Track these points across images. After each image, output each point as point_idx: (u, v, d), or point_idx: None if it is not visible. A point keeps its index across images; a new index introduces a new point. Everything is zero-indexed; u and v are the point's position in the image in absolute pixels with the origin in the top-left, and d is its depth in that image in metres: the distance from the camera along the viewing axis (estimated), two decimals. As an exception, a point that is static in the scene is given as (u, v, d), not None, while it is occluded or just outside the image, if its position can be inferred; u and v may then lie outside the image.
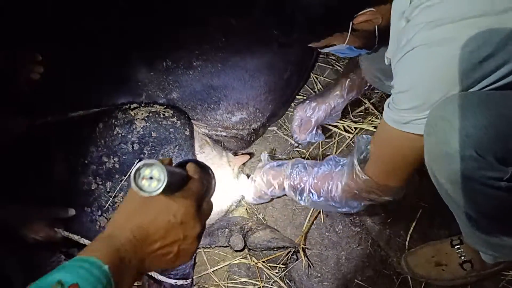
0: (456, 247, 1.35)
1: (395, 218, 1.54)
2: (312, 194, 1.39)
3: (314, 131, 1.64)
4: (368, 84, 1.61)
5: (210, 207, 0.75)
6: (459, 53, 0.93)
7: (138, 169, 0.61)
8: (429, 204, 1.54)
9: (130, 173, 0.63)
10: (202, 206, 0.72)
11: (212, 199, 1.49)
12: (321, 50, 1.28)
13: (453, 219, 1.42)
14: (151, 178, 0.61)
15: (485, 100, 0.91)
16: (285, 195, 1.53)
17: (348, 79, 1.59)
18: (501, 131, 0.89)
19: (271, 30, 1.18)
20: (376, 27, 1.13)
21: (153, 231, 0.65)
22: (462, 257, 1.33)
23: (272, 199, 1.64)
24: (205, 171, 0.79)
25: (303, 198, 1.42)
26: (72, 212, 1.38)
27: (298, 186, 1.42)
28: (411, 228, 1.50)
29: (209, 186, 0.79)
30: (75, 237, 1.39)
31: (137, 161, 0.58)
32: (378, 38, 1.17)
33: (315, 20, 1.10)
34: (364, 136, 1.31)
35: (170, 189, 0.65)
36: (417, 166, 1.17)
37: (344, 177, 1.29)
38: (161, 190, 0.61)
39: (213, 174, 0.82)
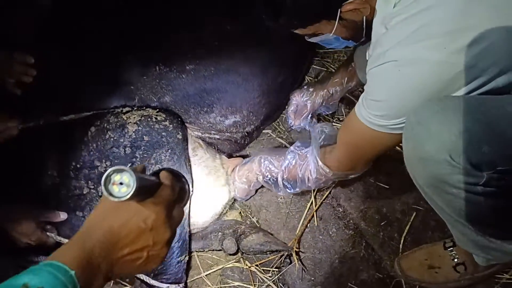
0: (449, 249, 1.34)
1: (389, 221, 1.53)
2: (287, 187, 1.46)
3: (309, 117, 1.66)
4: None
5: (181, 214, 0.76)
6: (427, 73, 0.96)
7: (109, 175, 0.63)
8: (423, 207, 1.53)
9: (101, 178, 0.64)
10: (173, 213, 0.73)
11: (204, 201, 1.50)
12: (308, 39, 1.28)
13: (447, 222, 1.43)
14: (121, 183, 0.62)
15: (461, 105, 0.92)
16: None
17: (350, 68, 1.59)
18: (475, 137, 0.89)
19: (259, 13, 1.18)
20: (364, 18, 1.13)
21: (124, 236, 0.66)
22: (455, 260, 1.33)
23: (259, 188, 1.65)
24: (178, 179, 0.80)
25: (280, 190, 1.48)
26: (64, 216, 1.37)
27: (271, 180, 1.48)
28: (405, 231, 1.50)
29: (183, 194, 0.81)
30: (65, 240, 1.38)
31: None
32: (366, 31, 1.17)
33: (303, 5, 1.10)
34: (317, 126, 1.41)
35: (141, 195, 0.67)
36: (385, 152, 1.23)
37: (312, 171, 1.35)
38: (130, 195, 0.62)
39: (187, 182, 0.84)
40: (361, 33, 1.19)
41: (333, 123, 1.77)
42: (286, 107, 1.71)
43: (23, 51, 1.50)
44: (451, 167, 0.90)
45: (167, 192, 0.72)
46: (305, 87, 1.65)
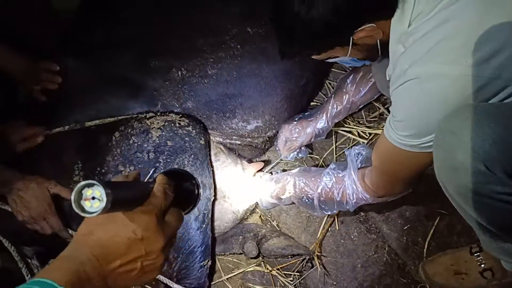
0: (475, 254, 1.33)
1: (412, 225, 1.52)
2: (324, 209, 1.44)
3: (298, 150, 1.67)
4: (359, 106, 1.64)
5: (177, 218, 0.73)
6: (448, 88, 0.94)
7: (79, 190, 0.60)
8: (448, 211, 1.51)
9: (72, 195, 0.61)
10: (167, 218, 0.71)
11: (227, 206, 1.51)
12: (326, 60, 1.28)
13: (472, 226, 1.41)
14: (93, 198, 0.60)
15: (493, 113, 0.90)
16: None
17: (333, 106, 1.60)
18: (510, 145, 0.87)
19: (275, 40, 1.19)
20: (378, 40, 1.13)
21: (113, 248, 0.64)
22: (482, 265, 1.31)
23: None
24: (185, 180, 0.79)
25: (316, 211, 1.46)
26: None
27: (306, 200, 1.46)
28: (429, 236, 1.48)
29: (187, 196, 0.78)
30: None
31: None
32: (381, 50, 1.17)
33: (314, 35, 1.10)
34: (353, 149, 1.38)
35: (125, 206, 0.65)
36: (424, 171, 1.20)
37: (351, 195, 1.34)
38: (101, 210, 0.59)
39: (197, 183, 0.80)
40: (376, 53, 1.18)
41: (352, 127, 1.76)
42: (276, 139, 1.71)
43: (48, 59, 1.53)
44: (485, 177, 0.88)
45: (157, 199, 0.70)
46: (294, 123, 1.63)
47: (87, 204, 0.60)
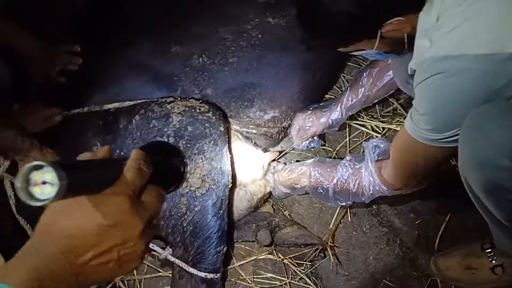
0: (487, 251, 1.34)
1: (424, 219, 1.54)
2: (339, 200, 1.45)
3: (310, 139, 1.68)
4: (374, 100, 1.64)
5: (156, 197, 0.62)
6: (475, 83, 0.95)
7: (26, 175, 0.51)
8: (459, 207, 1.53)
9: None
10: (144, 198, 0.61)
11: (241, 194, 1.52)
12: (351, 53, 1.29)
13: (485, 222, 1.44)
14: (44, 182, 0.51)
15: None
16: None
17: (349, 99, 1.61)
18: None
19: (300, 32, 1.19)
20: (405, 34, 1.13)
21: (81, 239, 0.55)
22: (494, 261, 1.33)
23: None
24: (168, 155, 0.69)
25: (330, 202, 1.47)
26: None
27: (321, 191, 1.47)
28: (441, 230, 1.50)
29: (171, 173, 0.69)
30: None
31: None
32: (408, 44, 1.17)
33: (341, 28, 1.10)
34: (371, 141, 1.39)
35: (90, 188, 0.55)
36: (441, 167, 1.21)
37: (367, 187, 1.35)
38: (53, 197, 0.50)
39: (183, 160, 0.71)
40: (402, 47, 1.18)
41: (366, 121, 1.78)
42: (289, 127, 1.72)
43: (70, 39, 1.53)
44: (510, 173, 0.89)
45: (129, 177, 0.59)
46: (308, 112, 1.65)
47: (37, 191, 0.51)
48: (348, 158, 1.43)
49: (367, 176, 1.35)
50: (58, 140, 1.45)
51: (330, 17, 1.08)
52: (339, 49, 1.22)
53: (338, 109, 1.62)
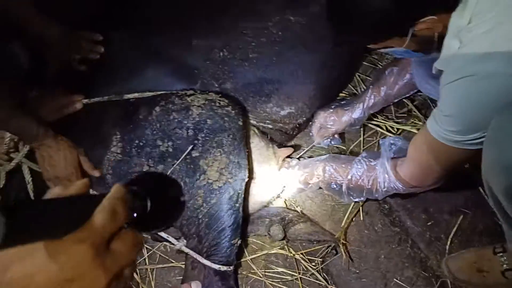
0: (499, 254, 1.36)
1: (436, 221, 1.56)
2: (352, 196, 1.46)
3: (331, 137, 1.70)
4: (394, 100, 1.65)
5: (130, 245, 0.51)
6: (504, 87, 0.96)
7: None
8: (471, 210, 1.55)
9: None
10: (114, 246, 0.50)
11: (256, 188, 1.53)
12: (378, 50, 1.30)
13: (496, 227, 1.46)
14: None
15: None
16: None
17: (371, 97, 1.62)
18: None
19: (330, 27, 1.20)
20: (436, 34, 1.14)
21: None
22: (505, 266, 1.35)
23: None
24: (164, 187, 0.58)
25: (343, 197, 1.48)
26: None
27: (334, 186, 1.49)
28: (452, 233, 1.52)
29: (167, 209, 0.58)
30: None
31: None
32: (438, 44, 1.18)
33: (375, 24, 1.11)
34: (387, 138, 1.41)
35: (46, 233, 0.46)
36: (458, 167, 1.23)
37: (381, 184, 1.36)
38: None
39: (181, 195, 0.60)
40: (432, 47, 1.18)
41: (381, 121, 1.79)
42: (310, 125, 1.73)
43: (91, 27, 1.53)
44: None
45: (99, 221, 0.49)
46: (330, 111, 1.66)
47: None
48: (363, 154, 1.45)
49: (382, 173, 1.36)
50: (76, 129, 1.47)
51: (365, 13, 1.08)
52: (368, 46, 1.22)
53: (361, 107, 1.63)
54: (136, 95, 1.48)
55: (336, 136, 1.70)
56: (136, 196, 0.53)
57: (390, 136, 1.74)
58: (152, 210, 0.54)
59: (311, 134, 1.71)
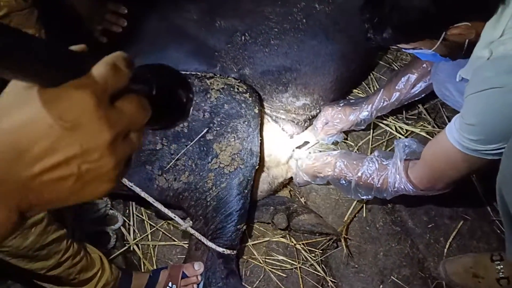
0: (496, 262, 1.40)
1: (436, 224, 1.59)
2: (360, 193, 1.48)
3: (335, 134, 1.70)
4: (405, 102, 1.65)
5: (136, 106, 0.43)
6: None
7: None
8: (471, 217, 1.59)
9: None
10: (117, 104, 0.41)
11: (264, 176, 1.55)
12: (404, 50, 1.31)
13: (494, 235, 1.50)
14: None
15: None
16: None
17: (381, 100, 1.62)
18: None
19: (364, 21, 1.20)
20: (467, 41, 1.15)
21: (27, 143, 0.38)
22: (500, 273, 1.39)
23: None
24: (174, 84, 0.50)
25: (350, 194, 1.50)
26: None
27: (343, 182, 1.50)
28: (451, 237, 1.56)
29: (173, 102, 0.49)
30: (137, 189, 1.43)
31: None
32: (465, 51, 1.19)
33: (410, 24, 1.12)
34: (402, 140, 1.41)
35: (36, 74, 0.38)
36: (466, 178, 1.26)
37: (392, 184, 1.38)
38: None
39: (191, 93, 0.52)
40: (460, 53, 1.20)
41: (391, 121, 1.81)
42: (316, 118, 1.72)
43: (117, 1, 1.52)
44: None
45: (101, 72, 0.40)
46: (337, 108, 1.65)
47: None
48: (375, 153, 1.46)
49: (393, 173, 1.37)
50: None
51: (402, 11, 1.09)
52: (397, 45, 1.23)
53: (369, 109, 1.63)
54: (154, 72, 1.47)
55: (340, 133, 1.71)
56: (141, 76, 0.46)
57: (399, 137, 1.77)
58: (156, 98, 0.46)
59: (315, 128, 1.70)
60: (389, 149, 1.76)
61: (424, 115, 1.83)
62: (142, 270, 1.57)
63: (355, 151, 1.77)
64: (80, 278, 1.24)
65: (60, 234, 1.15)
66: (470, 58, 1.13)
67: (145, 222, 1.65)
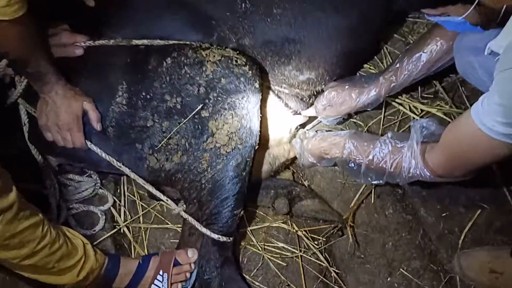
0: (515, 257, 1.29)
1: (451, 213, 1.48)
2: (371, 177, 1.36)
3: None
4: (411, 81, 1.50)
5: None
6: None
7: None
8: (489, 206, 1.47)
9: None
10: None
11: (265, 156, 1.43)
12: (429, 18, 1.17)
13: (514, 226, 1.37)
14: None
15: None
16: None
17: (389, 80, 1.48)
18: None
19: None
20: (504, 7, 1.00)
21: None
22: (521, 269, 1.28)
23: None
24: None
25: (360, 178, 1.38)
26: None
27: (352, 165, 1.38)
28: (467, 227, 1.45)
29: None
30: (127, 170, 1.33)
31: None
32: (500, 20, 1.05)
33: None
34: (420, 121, 1.28)
35: None
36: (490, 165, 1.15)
37: (406, 170, 1.25)
38: None
39: None
40: (493, 22, 1.06)
41: (405, 99, 1.66)
42: (319, 95, 1.57)
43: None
44: None
45: None
46: (343, 88, 1.50)
47: None
48: (389, 135, 1.33)
49: (409, 157, 1.25)
50: (79, 74, 1.34)
51: None
52: (424, 10, 1.11)
53: (376, 91, 1.49)
54: (145, 41, 1.35)
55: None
56: None
57: (413, 117, 1.63)
58: None
59: (316, 108, 1.56)
60: (402, 130, 1.63)
61: (441, 94, 1.69)
62: (132, 255, 1.48)
63: (365, 132, 1.63)
64: (60, 267, 1.15)
65: (35, 221, 1.05)
66: (504, 28, 0.99)
67: (137, 203, 1.55)
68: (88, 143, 1.33)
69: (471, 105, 1.61)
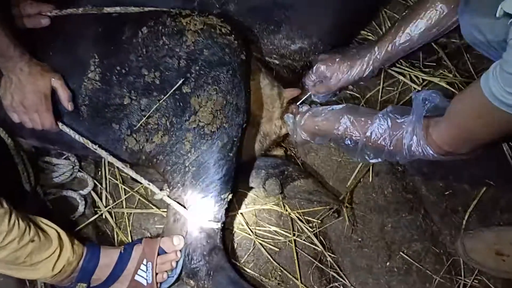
0: (524, 238, 1.21)
1: (454, 191, 1.39)
2: (368, 155, 1.27)
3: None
4: (409, 49, 1.38)
5: None
6: None
7: None
8: (496, 182, 1.38)
9: None
10: None
11: (253, 133, 1.32)
12: None
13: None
14: None
15: None
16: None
17: (383, 50, 1.36)
18: None
19: None
20: None
21: None
22: (529, 251, 1.20)
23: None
24: None
25: (357, 156, 1.28)
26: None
27: (349, 142, 1.29)
28: (471, 207, 1.36)
29: None
30: (104, 153, 1.22)
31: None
32: None
33: None
34: (422, 92, 1.17)
35: None
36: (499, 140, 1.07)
37: (407, 147, 1.16)
38: None
39: None
40: None
41: (405, 68, 1.54)
42: (309, 68, 1.46)
43: None
44: None
45: None
46: (334, 60, 1.39)
47: None
48: (388, 109, 1.23)
49: (410, 133, 1.15)
50: (52, 45, 1.21)
51: None
52: None
53: (370, 64, 1.38)
54: (118, 9, 1.21)
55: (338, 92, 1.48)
56: None
57: (414, 87, 1.52)
58: None
59: (305, 85, 1.45)
60: (402, 102, 1.51)
61: (445, 61, 1.56)
62: (115, 242, 1.39)
63: (362, 105, 1.52)
64: (32, 261, 1.06)
65: None
66: None
67: (120, 186, 1.44)
68: (60, 124, 1.21)
69: (476, 73, 1.54)
